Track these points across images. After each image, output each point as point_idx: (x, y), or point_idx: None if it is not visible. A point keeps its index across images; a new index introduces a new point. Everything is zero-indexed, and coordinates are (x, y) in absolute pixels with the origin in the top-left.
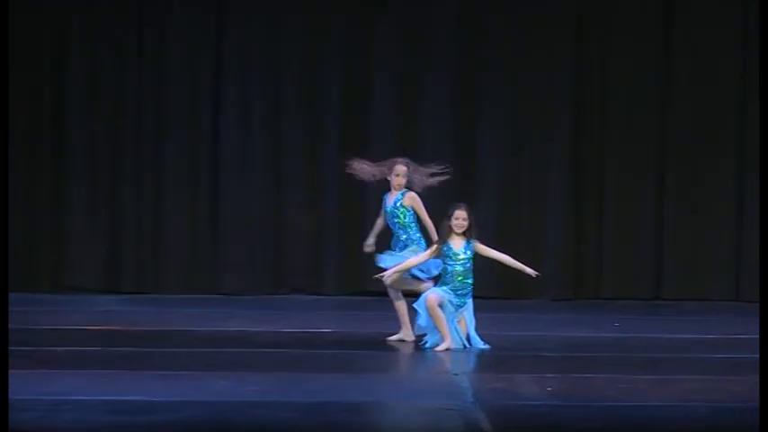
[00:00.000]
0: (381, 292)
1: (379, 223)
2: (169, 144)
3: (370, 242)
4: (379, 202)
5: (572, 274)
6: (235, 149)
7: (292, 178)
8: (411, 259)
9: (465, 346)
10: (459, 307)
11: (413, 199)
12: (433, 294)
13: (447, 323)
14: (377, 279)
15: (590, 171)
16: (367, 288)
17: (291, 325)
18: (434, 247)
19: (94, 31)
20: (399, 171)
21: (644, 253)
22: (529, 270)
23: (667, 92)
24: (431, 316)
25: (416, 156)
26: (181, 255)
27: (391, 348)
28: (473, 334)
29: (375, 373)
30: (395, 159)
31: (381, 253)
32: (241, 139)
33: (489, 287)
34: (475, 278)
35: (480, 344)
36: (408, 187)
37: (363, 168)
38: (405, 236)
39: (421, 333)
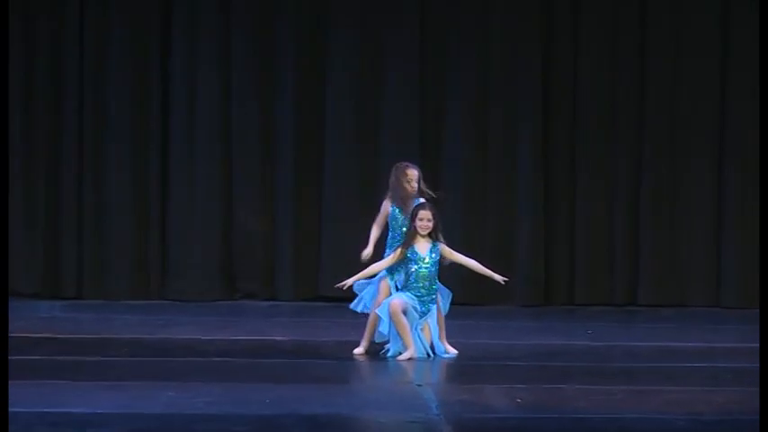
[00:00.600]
0: (339, 298)
1: (376, 233)
2: (113, 142)
3: (370, 252)
4: (339, 204)
5: (542, 279)
6: (184, 147)
7: (244, 178)
8: (374, 265)
9: (429, 355)
10: (423, 314)
11: None
12: (396, 300)
13: (410, 331)
14: (339, 287)
15: (561, 170)
16: (324, 294)
17: (244, 332)
18: (398, 250)
19: (31, 25)
20: (413, 176)
21: (618, 256)
22: (497, 276)
23: (643, 90)
24: (393, 323)
25: (377, 155)
26: (126, 258)
27: (350, 358)
28: (437, 342)
29: (333, 383)
30: (404, 164)
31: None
32: (190, 137)
33: (455, 293)
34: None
35: (445, 352)
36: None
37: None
38: None
39: (382, 341)
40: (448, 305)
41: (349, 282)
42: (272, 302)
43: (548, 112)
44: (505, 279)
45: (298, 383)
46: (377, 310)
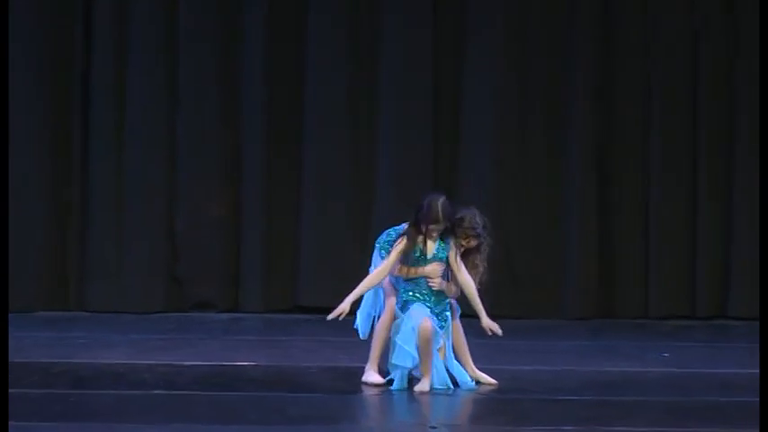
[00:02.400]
0: (324, 309)
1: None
2: (19, 100)
3: None
4: (323, 186)
5: (601, 285)
6: (112, 108)
7: (198, 150)
8: (373, 275)
9: (449, 387)
10: (440, 329)
11: None
12: (427, 322)
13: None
14: (333, 318)
15: (624, 146)
16: (304, 303)
17: (197, 356)
18: (400, 246)
19: None
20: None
21: (702, 255)
22: (487, 321)
23: (733, 67)
24: (420, 348)
25: (374, 124)
26: (36, 257)
27: (341, 390)
28: (455, 368)
29: (319, 424)
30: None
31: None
32: (120, 94)
33: (489, 303)
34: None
35: (469, 382)
36: None
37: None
38: None
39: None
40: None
41: (344, 307)
42: (234, 315)
43: (610, 83)
44: (500, 332)
45: (270, 425)
46: (397, 338)
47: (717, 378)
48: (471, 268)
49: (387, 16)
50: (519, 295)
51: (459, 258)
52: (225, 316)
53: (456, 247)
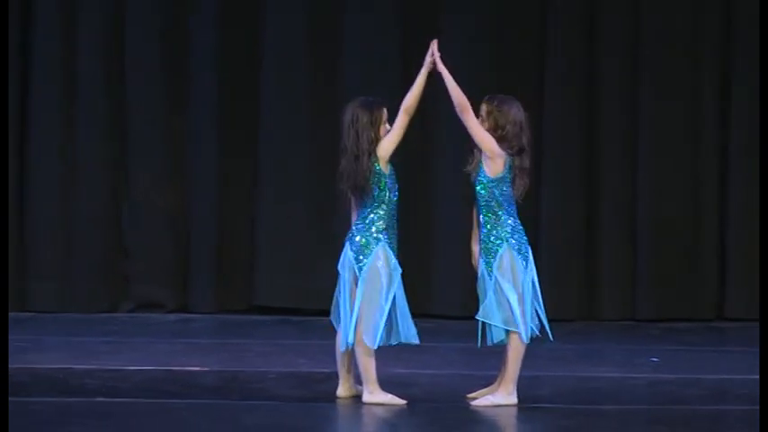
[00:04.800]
0: (283, 309)
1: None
2: None
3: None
4: (282, 167)
5: (586, 283)
6: (50, 83)
7: (143, 129)
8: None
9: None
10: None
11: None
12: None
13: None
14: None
15: (613, 137)
16: (262, 303)
17: (142, 360)
18: None
19: None
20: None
21: (702, 250)
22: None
23: None
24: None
25: (339, 96)
26: None
27: (301, 398)
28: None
29: None
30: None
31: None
32: (62, 68)
33: (457, 304)
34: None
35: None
36: None
37: None
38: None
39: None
40: (351, 333)
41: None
42: (184, 315)
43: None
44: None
45: None
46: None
47: (713, 384)
48: None
49: None
50: None
51: None
52: (174, 317)
53: None
